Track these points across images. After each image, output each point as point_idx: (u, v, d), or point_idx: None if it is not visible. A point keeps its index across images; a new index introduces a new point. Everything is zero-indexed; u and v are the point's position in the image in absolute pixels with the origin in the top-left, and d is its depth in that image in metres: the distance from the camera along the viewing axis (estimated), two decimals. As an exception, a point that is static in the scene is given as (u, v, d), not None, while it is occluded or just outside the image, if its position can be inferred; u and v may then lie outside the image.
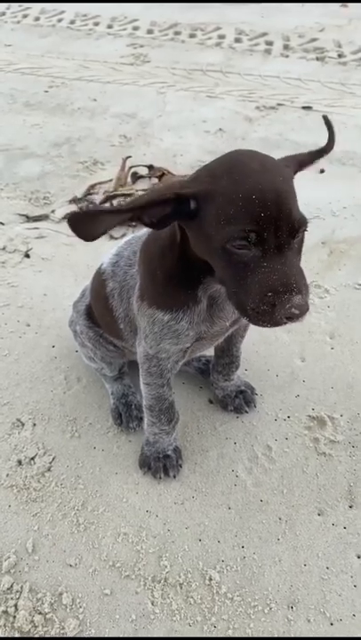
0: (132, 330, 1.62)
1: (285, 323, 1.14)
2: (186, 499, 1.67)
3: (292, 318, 1.13)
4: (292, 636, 1.38)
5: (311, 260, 2.52)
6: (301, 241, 1.19)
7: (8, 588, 1.48)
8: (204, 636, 1.39)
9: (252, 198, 1.07)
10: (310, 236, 2.62)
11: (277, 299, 1.10)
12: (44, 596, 1.47)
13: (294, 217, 1.11)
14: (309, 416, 1.87)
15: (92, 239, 1.16)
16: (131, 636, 1.39)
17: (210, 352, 1.91)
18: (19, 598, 1.46)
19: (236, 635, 1.38)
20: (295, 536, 1.57)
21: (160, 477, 1.69)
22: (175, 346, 1.47)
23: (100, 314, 1.75)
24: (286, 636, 1.38)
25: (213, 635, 1.39)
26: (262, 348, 2.10)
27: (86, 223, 1.15)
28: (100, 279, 1.67)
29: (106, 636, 1.40)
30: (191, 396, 1.95)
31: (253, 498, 1.66)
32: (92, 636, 1.40)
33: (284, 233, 1.10)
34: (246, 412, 1.87)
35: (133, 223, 1.20)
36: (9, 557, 1.54)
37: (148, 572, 1.51)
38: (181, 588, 1.48)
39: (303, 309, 1.12)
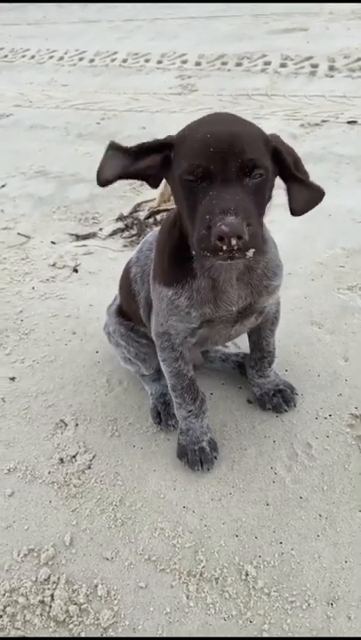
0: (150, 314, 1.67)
1: (221, 249, 1.15)
2: (223, 495, 1.64)
3: (223, 239, 1.13)
4: (332, 634, 1.32)
5: (357, 262, 2.48)
6: (259, 186, 1.22)
7: (45, 579, 1.50)
8: (239, 635, 1.35)
9: (206, 137, 1.18)
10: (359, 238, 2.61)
11: (212, 219, 1.15)
12: (80, 587, 1.48)
13: (246, 156, 1.17)
14: (352, 414, 1.81)
15: (105, 182, 1.34)
16: (165, 627, 1.37)
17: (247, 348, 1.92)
18: (55, 589, 1.48)
19: (272, 630, 1.34)
20: (336, 532, 1.51)
21: (198, 469, 1.69)
22: (181, 323, 1.51)
23: (126, 301, 1.83)
24: (326, 635, 1.32)
25: (248, 629, 1.34)
26: (303, 349, 2.07)
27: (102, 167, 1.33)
28: (127, 267, 1.77)
29: (139, 628, 1.38)
30: (230, 396, 1.94)
31: (292, 495, 1.62)
32: (125, 625, 1.39)
33: (233, 168, 1.17)
34: (285, 410, 1.83)
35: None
36: (47, 550, 1.57)
37: (184, 567, 1.49)
38: (217, 582, 1.45)
39: (234, 228, 1.12)
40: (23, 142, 4.28)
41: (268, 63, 5.09)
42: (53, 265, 2.77)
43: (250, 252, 1.19)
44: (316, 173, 3.33)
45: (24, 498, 1.72)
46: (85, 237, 2.97)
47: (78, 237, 2.98)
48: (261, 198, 1.25)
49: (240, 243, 1.15)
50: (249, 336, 1.82)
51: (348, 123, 3.77)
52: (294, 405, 1.85)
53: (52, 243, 2.96)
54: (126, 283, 1.77)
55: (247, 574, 1.45)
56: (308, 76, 4.71)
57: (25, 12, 8.51)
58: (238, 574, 1.45)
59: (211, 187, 1.18)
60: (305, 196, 1.34)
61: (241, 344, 2.09)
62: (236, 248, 1.15)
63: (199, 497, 1.65)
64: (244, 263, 1.44)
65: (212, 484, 1.68)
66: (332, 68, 4.75)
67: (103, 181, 1.33)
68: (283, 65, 4.99)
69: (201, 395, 1.71)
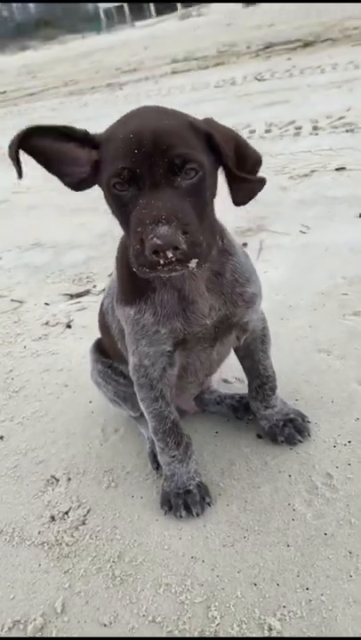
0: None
1: (158, 262, 1.04)
2: (236, 540, 1.42)
3: (158, 253, 1.02)
4: None
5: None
6: (196, 185, 1.11)
7: (33, 656, 1.26)
8: None
9: (129, 137, 1.08)
10: None
11: (144, 231, 1.04)
12: (74, 661, 1.24)
13: (174, 153, 1.07)
14: (374, 438, 1.61)
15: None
16: None
17: (244, 390, 1.75)
18: (44, 666, 1.24)
19: None
20: (371, 571, 1.28)
21: (180, 516, 1.49)
22: (151, 347, 1.36)
23: (103, 335, 1.71)
24: None
25: None
26: (313, 378, 1.89)
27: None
28: (102, 300, 1.66)
29: None
30: (238, 432, 1.75)
31: (316, 532, 1.39)
32: None
33: (161, 169, 1.07)
34: (300, 441, 1.64)
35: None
36: (34, 620, 1.34)
37: (195, 626, 1.25)
38: (235, 642, 1.20)
39: (167, 239, 1.01)
40: (19, 222, 4.35)
41: (252, 131, 5.24)
42: (46, 324, 2.67)
43: (192, 263, 1.08)
44: (309, 215, 3.32)
45: (10, 563, 1.50)
46: (80, 295, 2.89)
47: (72, 296, 2.90)
48: (201, 198, 1.13)
49: (178, 254, 1.04)
50: (243, 364, 1.67)
51: (337, 170, 3.78)
52: (308, 435, 1.65)
53: (46, 304, 2.88)
54: (101, 316, 1.67)
55: (271, 629, 1.21)
56: (292, 137, 4.82)
57: (21, 116, 9.06)
58: (260, 630, 1.21)
59: (140, 194, 1.08)
60: (246, 189, 1.22)
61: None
62: (174, 260, 1.04)
63: (209, 544, 1.43)
64: (210, 268, 1.33)
65: (223, 529, 1.46)
66: (315, 128, 4.87)
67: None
68: (267, 131, 5.14)
69: (186, 438, 1.55)
